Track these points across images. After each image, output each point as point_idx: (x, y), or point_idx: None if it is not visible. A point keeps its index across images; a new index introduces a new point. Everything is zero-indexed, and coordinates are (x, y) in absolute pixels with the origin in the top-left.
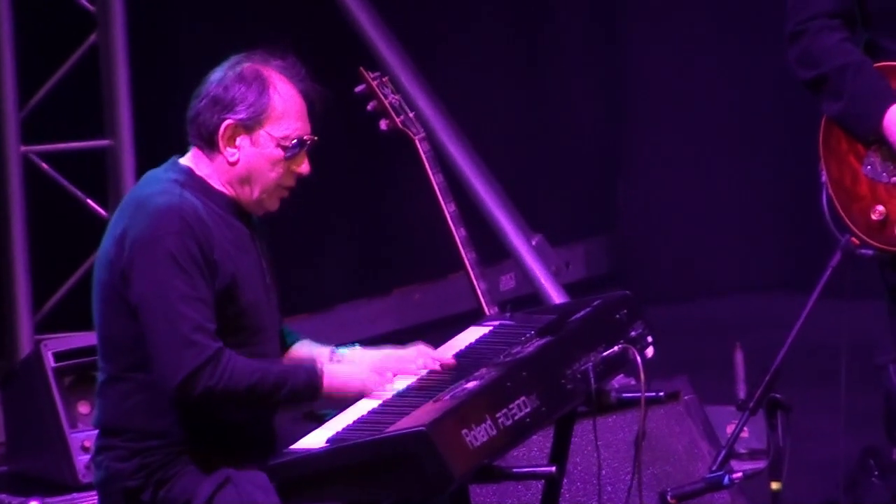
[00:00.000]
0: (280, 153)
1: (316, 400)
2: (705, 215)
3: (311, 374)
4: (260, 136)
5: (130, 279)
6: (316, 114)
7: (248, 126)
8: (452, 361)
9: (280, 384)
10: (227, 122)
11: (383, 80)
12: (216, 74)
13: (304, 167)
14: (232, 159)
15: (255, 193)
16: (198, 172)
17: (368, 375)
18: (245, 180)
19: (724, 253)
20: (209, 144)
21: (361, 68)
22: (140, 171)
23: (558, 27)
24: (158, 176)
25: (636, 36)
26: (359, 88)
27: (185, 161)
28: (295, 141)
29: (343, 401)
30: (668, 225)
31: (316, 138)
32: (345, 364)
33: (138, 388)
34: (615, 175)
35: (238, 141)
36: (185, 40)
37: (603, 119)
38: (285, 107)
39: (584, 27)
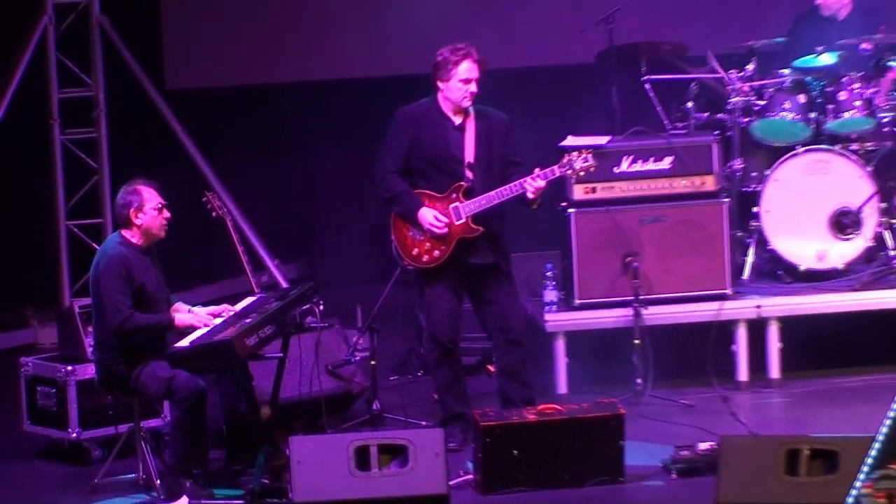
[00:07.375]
0: (156, 214)
1: (173, 329)
2: (353, 243)
3: (170, 320)
4: (144, 212)
5: (98, 284)
6: (171, 201)
7: (138, 209)
8: (237, 311)
9: (158, 325)
10: (129, 211)
11: (213, 194)
12: (121, 191)
13: (166, 214)
14: (137, 223)
15: (153, 233)
16: (127, 237)
17: (194, 319)
18: (146, 232)
19: (356, 263)
20: (126, 223)
21: (206, 191)
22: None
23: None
24: (113, 239)
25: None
26: (204, 199)
27: (124, 231)
28: (159, 208)
29: (186, 329)
30: (334, 249)
31: (168, 203)
32: (186, 314)
33: (106, 329)
34: (314, 222)
35: (136, 218)
36: (117, 172)
37: (302, 191)
38: (150, 199)
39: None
